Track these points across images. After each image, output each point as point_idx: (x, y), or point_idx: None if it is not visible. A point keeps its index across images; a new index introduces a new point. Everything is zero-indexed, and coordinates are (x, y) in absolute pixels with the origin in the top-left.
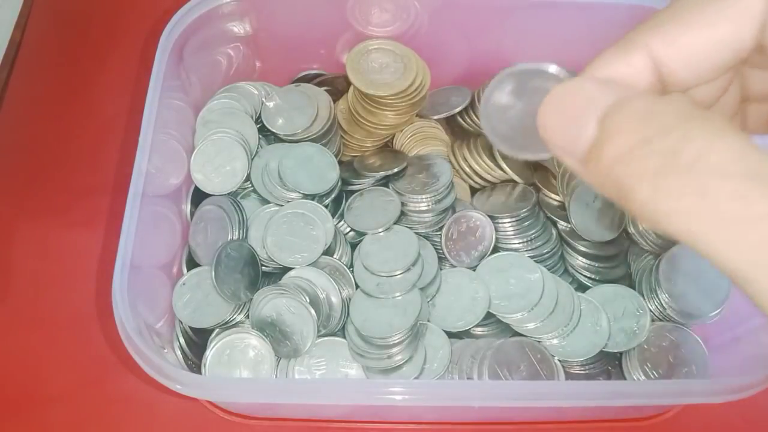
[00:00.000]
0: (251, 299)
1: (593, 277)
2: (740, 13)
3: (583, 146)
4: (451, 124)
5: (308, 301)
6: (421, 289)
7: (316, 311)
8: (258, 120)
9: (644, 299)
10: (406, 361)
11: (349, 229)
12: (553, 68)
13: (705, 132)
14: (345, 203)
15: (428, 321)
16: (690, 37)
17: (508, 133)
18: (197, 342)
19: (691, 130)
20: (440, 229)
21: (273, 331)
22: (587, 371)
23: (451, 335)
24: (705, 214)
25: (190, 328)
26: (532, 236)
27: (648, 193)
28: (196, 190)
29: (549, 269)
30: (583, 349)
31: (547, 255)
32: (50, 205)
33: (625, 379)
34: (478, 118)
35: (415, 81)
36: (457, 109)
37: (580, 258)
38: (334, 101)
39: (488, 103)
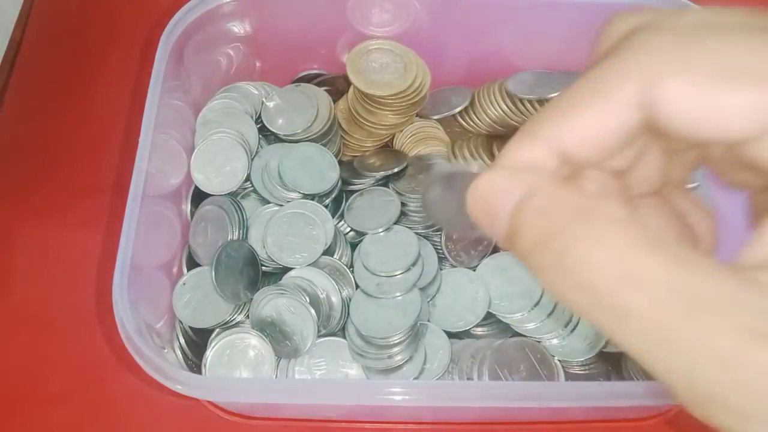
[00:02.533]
0: (251, 299)
1: None
2: (622, 102)
3: (501, 235)
4: (451, 124)
5: (308, 301)
6: (421, 289)
7: (316, 311)
8: (258, 120)
9: None
10: (406, 361)
11: (349, 229)
12: (471, 167)
13: (587, 234)
14: (345, 203)
15: (428, 321)
16: (581, 130)
17: (447, 218)
18: (197, 342)
19: (575, 232)
20: (440, 229)
21: (273, 331)
22: (587, 371)
23: (451, 335)
24: (593, 307)
25: (190, 328)
26: None
27: (548, 283)
28: (196, 190)
29: None
30: (583, 350)
31: None
32: (50, 205)
33: (625, 379)
34: (478, 118)
35: (415, 81)
36: (457, 109)
37: None
38: (334, 101)
39: (427, 202)
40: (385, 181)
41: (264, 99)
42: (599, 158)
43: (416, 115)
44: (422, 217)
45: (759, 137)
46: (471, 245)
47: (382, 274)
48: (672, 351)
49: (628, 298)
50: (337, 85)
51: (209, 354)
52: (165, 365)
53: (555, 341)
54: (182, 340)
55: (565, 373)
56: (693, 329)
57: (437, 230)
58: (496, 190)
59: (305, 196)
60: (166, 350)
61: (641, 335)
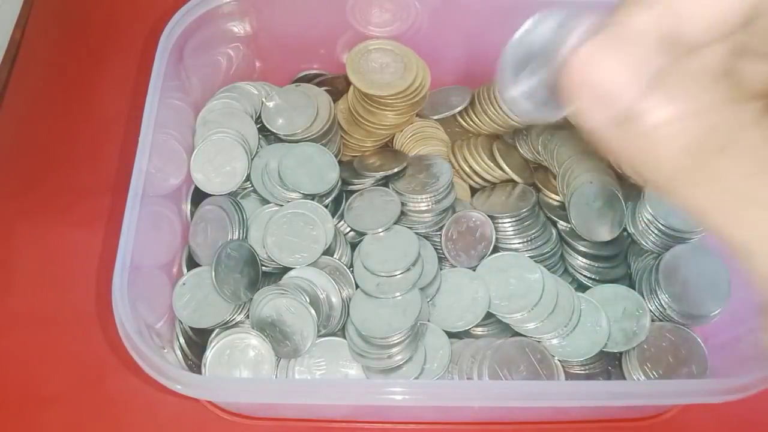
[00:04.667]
0: (251, 299)
1: (593, 277)
2: None
3: (622, 106)
4: (451, 124)
5: (308, 301)
6: (421, 289)
7: (316, 311)
8: (258, 120)
9: (644, 299)
10: (406, 361)
11: (349, 229)
12: (584, 14)
13: (746, 114)
14: (345, 203)
15: (428, 321)
16: None
17: (525, 90)
18: (197, 342)
19: (727, 118)
20: (440, 229)
21: (273, 331)
22: (587, 371)
23: (451, 335)
24: (726, 194)
25: (190, 328)
26: (532, 236)
27: (679, 165)
28: (196, 190)
29: (549, 269)
30: (583, 349)
31: (547, 255)
32: (50, 205)
33: (625, 379)
34: (478, 118)
35: (415, 81)
36: (457, 109)
37: (580, 258)
38: (334, 101)
39: (510, 52)
40: (385, 181)
41: (264, 99)
42: (720, 33)
43: (416, 115)
44: (422, 217)
45: None
46: (471, 245)
47: (382, 274)
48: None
49: (761, 187)
50: (337, 85)
51: (209, 354)
52: (165, 365)
53: (555, 341)
54: (182, 340)
55: (565, 373)
56: None
57: (437, 230)
58: (627, 54)
59: (305, 196)
60: (166, 350)
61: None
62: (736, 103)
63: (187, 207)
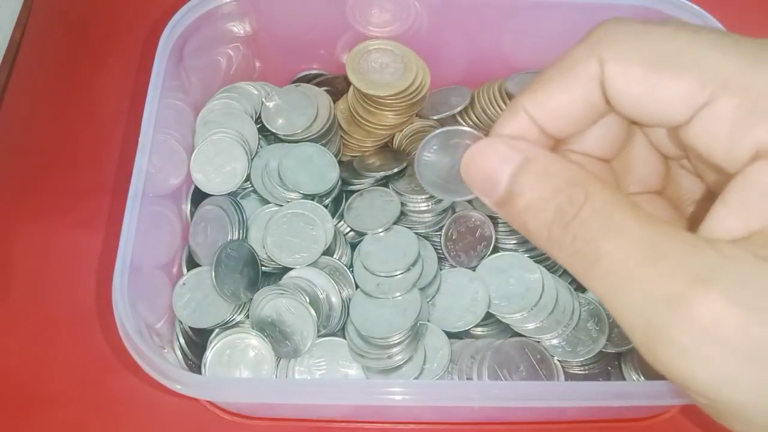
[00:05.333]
0: (251, 299)
1: None
2: (583, 78)
3: (499, 195)
4: (451, 124)
5: (308, 301)
6: (421, 289)
7: (316, 311)
8: (258, 120)
9: None
10: (406, 361)
11: (349, 229)
12: (469, 129)
13: (580, 194)
14: (345, 203)
15: (428, 321)
16: (552, 100)
17: (438, 181)
18: (197, 342)
19: (573, 193)
20: (440, 229)
21: (273, 331)
22: (587, 371)
23: (450, 335)
24: (574, 254)
25: (190, 328)
26: None
27: (544, 236)
28: (196, 190)
29: (549, 269)
30: (583, 349)
31: (547, 255)
32: (50, 205)
33: (625, 379)
34: (478, 119)
35: (415, 81)
36: (457, 109)
37: None
38: (334, 101)
39: (420, 160)
40: (385, 181)
41: (264, 99)
42: (569, 130)
43: (416, 115)
44: (422, 217)
45: (685, 122)
46: (471, 245)
47: (382, 274)
48: (629, 292)
49: (602, 244)
50: (337, 85)
51: (209, 354)
52: (165, 365)
53: (555, 341)
54: (182, 340)
55: (565, 373)
56: (650, 273)
57: (437, 230)
58: (495, 155)
59: (305, 196)
60: (166, 350)
61: (607, 278)
62: (586, 179)
63: (187, 207)
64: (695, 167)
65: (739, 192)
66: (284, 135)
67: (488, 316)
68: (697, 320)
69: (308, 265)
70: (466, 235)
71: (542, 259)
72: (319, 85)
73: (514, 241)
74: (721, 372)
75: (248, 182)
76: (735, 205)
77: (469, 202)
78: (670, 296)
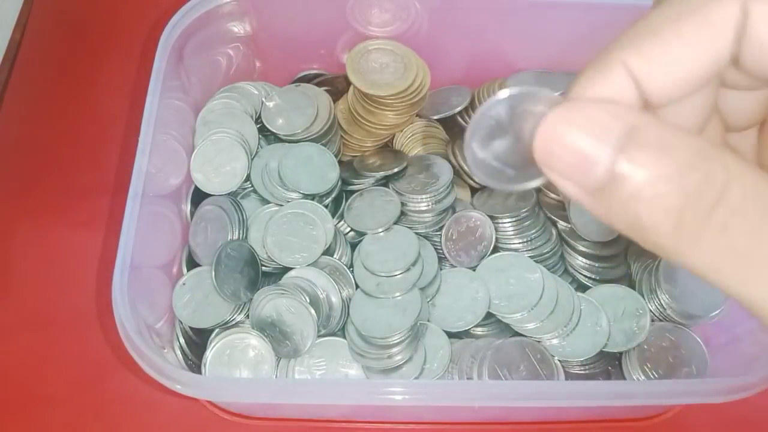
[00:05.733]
0: (251, 299)
1: (593, 277)
2: (716, 26)
3: (595, 178)
4: (451, 124)
5: (308, 301)
6: (421, 289)
7: (316, 311)
8: (258, 120)
9: (644, 299)
10: (406, 361)
11: (349, 229)
12: (545, 91)
13: (723, 172)
14: (345, 203)
15: (428, 321)
16: (666, 54)
17: (496, 167)
18: (197, 342)
19: (709, 168)
20: (440, 229)
21: (273, 331)
22: (587, 371)
23: (451, 335)
24: (725, 253)
25: (190, 328)
26: (532, 236)
27: (668, 230)
28: (196, 190)
29: (549, 269)
30: (583, 349)
31: (547, 255)
32: (50, 205)
33: (625, 379)
34: None
35: (415, 81)
36: (457, 109)
37: (580, 258)
38: (334, 101)
39: (475, 137)
40: (385, 181)
41: (264, 99)
42: (681, 93)
43: (416, 115)
44: (422, 217)
45: None
46: (471, 245)
47: (382, 274)
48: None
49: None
50: (337, 85)
51: (209, 354)
52: (165, 365)
53: (555, 341)
54: (182, 340)
55: (565, 373)
56: None
57: (437, 230)
58: (589, 125)
59: (305, 196)
60: (166, 350)
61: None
62: (723, 145)
63: (187, 207)
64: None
65: None
66: (284, 135)
67: (488, 315)
68: None
69: (308, 265)
70: (466, 235)
71: (542, 259)
72: (319, 85)
73: (515, 241)
74: None
75: (248, 182)
76: None
77: (471, 202)
78: None
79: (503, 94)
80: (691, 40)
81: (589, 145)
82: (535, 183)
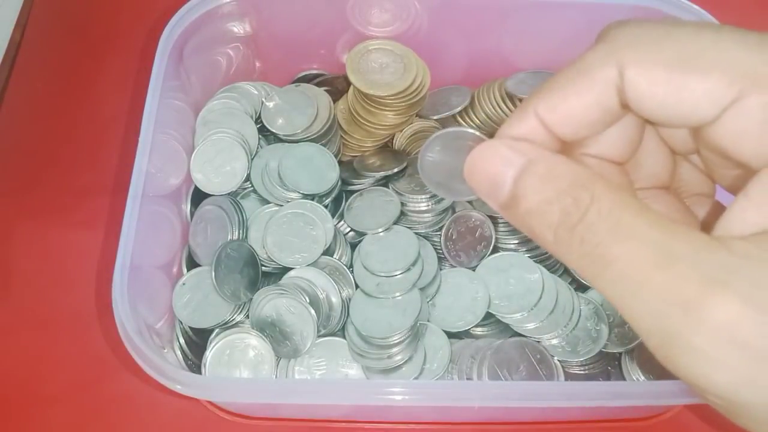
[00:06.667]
0: (251, 299)
1: None
2: (599, 83)
3: (503, 198)
4: (450, 124)
5: (308, 301)
6: (421, 289)
7: (316, 311)
8: (258, 120)
9: None
10: (406, 361)
11: (349, 229)
12: (471, 131)
13: (588, 197)
14: (345, 203)
15: (428, 321)
16: (564, 104)
17: (441, 181)
18: (197, 342)
19: (578, 195)
20: (440, 229)
21: (273, 331)
22: (587, 371)
23: (450, 335)
24: (583, 258)
25: (190, 328)
26: None
27: (550, 239)
28: (196, 190)
29: (549, 269)
30: (583, 349)
31: (546, 255)
32: (50, 205)
33: (625, 379)
34: (477, 118)
35: (415, 81)
36: (457, 109)
37: None
38: (334, 101)
39: (423, 161)
40: (384, 181)
41: (264, 99)
42: (581, 133)
43: (416, 115)
44: (422, 217)
45: (712, 121)
46: (471, 245)
47: (382, 274)
48: (643, 296)
49: (611, 248)
50: (337, 85)
51: (209, 354)
52: (165, 365)
53: (555, 341)
54: (182, 340)
55: (565, 373)
56: (663, 277)
57: (437, 230)
58: (499, 158)
59: (305, 196)
60: (166, 350)
61: (619, 283)
62: (591, 181)
63: (187, 207)
64: (707, 164)
65: (764, 185)
66: (284, 135)
67: (488, 316)
68: (713, 323)
69: (308, 265)
70: (466, 235)
71: (542, 259)
72: (319, 85)
73: (515, 241)
74: (738, 374)
75: (248, 182)
76: (757, 199)
77: (470, 202)
78: (684, 300)
79: (440, 132)
80: (581, 94)
81: (496, 172)
82: (472, 197)
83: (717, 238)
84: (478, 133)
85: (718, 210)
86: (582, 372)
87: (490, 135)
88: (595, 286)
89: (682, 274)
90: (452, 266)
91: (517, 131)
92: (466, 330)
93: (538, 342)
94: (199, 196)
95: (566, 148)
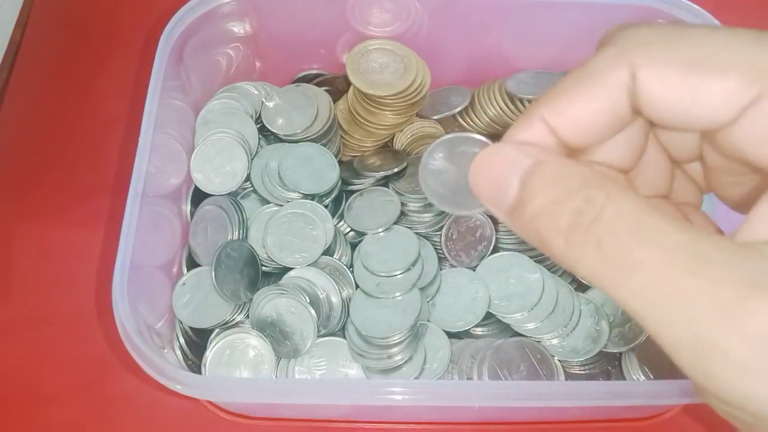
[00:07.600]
0: (251, 299)
1: None
2: (609, 87)
3: (509, 202)
4: (450, 124)
5: (308, 301)
6: (421, 289)
7: (316, 311)
8: (258, 120)
9: None
10: (406, 361)
11: (349, 229)
12: (477, 136)
13: (601, 197)
14: (345, 203)
15: (428, 321)
16: (572, 110)
17: (444, 194)
18: (197, 342)
19: (591, 194)
20: (440, 229)
21: (273, 331)
22: (587, 371)
23: (451, 335)
24: (601, 263)
25: (190, 328)
26: None
27: (560, 243)
28: (196, 190)
29: (549, 269)
30: (583, 349)
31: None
32: (50, 205)
33: (625, 379)
34: (478, 118)
35: (415, 81)
36: (457, 109)
37: None
38: (334, 101)
39: (425, 169)
40: (385, 181)
41: (264, 99)
42: (590, 140)
43: (416, 115)
44: (422, 217)
45: (729, 124)
46: (471, 245)
47: (382, 274)
48: (675, 304)
49: (635, 251)
50: (337, 85)
51: (209, 354)
52: (165, 365)
53: (555, 341)
54: (182, 340)
55: (565, 373)
56: (695, 282)
57: (437, 230)
58: (505, 161)
59: (305, 196)
60: (166, 350)
61: (646, 290)
62: (603, 181)
63: (187, 207)
64: (709, 172)
65: None
66: (284, 135)
67: (488, 316)
68: (754, 330)
69: (308, 265)
70: (466, 235)
71: (542, 259)
72: (319, 85)
73: (515, 241)
74: None
75: (248, 182)
76: None
77: None
78: (721, 306)
79: (443, 137)
80: (591, 98)
81: (501, 174)
82: (476, 210)
83: (743, 244)
84: (482, 137)
85: (704, 221)
86: (582, 372)
87: (492, 136)
88: (614, 296)
89: (716, 278)
90: (452, 266)
91: (523, 136)
92: (466, 330)
93: (539, 342)
94: (199, 196)
95: (572, 155)
